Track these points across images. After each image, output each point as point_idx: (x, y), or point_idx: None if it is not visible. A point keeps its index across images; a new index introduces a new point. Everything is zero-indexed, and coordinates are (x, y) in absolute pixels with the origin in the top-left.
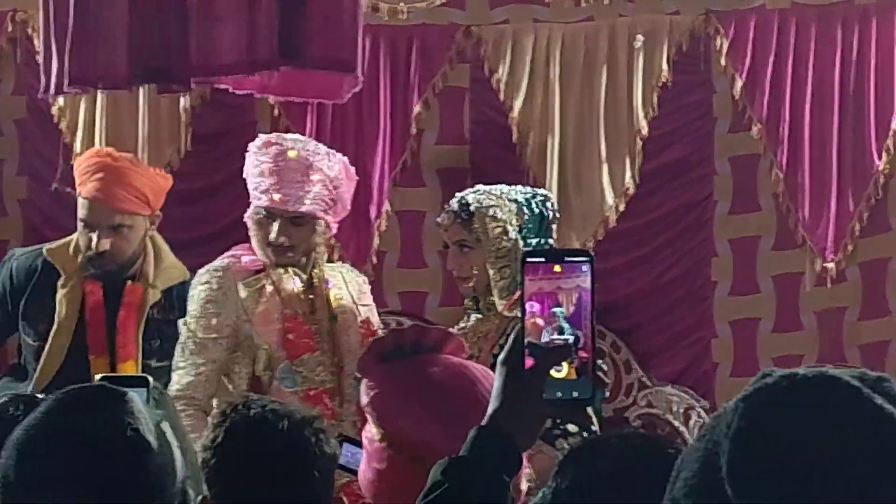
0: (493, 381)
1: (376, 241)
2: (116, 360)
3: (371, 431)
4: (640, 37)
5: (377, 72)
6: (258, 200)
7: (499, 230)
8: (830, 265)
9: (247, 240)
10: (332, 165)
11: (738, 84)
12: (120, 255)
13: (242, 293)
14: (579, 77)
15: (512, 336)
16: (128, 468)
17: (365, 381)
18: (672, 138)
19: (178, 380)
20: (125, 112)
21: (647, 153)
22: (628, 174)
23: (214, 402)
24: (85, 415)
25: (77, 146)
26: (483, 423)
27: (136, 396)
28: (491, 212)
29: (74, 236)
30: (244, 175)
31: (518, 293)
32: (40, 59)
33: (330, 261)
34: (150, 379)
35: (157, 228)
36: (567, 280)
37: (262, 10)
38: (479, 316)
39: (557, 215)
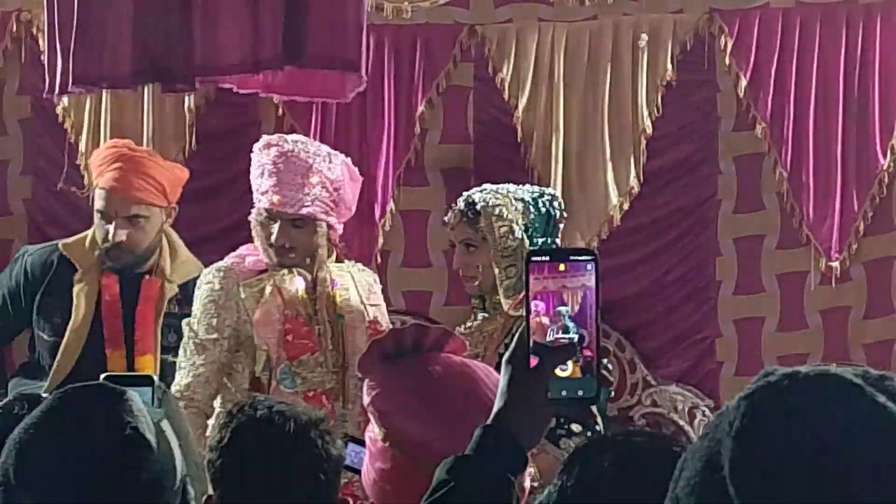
0: (496, 379)
1: (381, 240)
2: (134, 353)
3: (374, 431)
4: (644, 36)
5: (381, 71)
6: (259, 202)
7: (504, 229)
8: (835, 264)
9: (252, 239)
10: (332, 167)
11: (743, 83)
12: (136, 247)
13: (243, 294)
14: (583, 76)
15: (517, 335)
16: (126, 467)
17: (367, 381)
18: (676, 137)
19: (179, 380)
20: (130, 111)
21: (651, 152)
22: (632, 173)
23: (217, 402)
24: (83, 414)
25: (82, 146)
26: (488, 422)
27: (135, 395)
28: (497, 211)
29: (90, 231)
30: (250, 174)
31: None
32: (45, 58)
33: (339, 261)
34: (156, 378)
35: None
36: (572, 279)
37: (266, 10)
38: (486, 315)
39: (565, 215)
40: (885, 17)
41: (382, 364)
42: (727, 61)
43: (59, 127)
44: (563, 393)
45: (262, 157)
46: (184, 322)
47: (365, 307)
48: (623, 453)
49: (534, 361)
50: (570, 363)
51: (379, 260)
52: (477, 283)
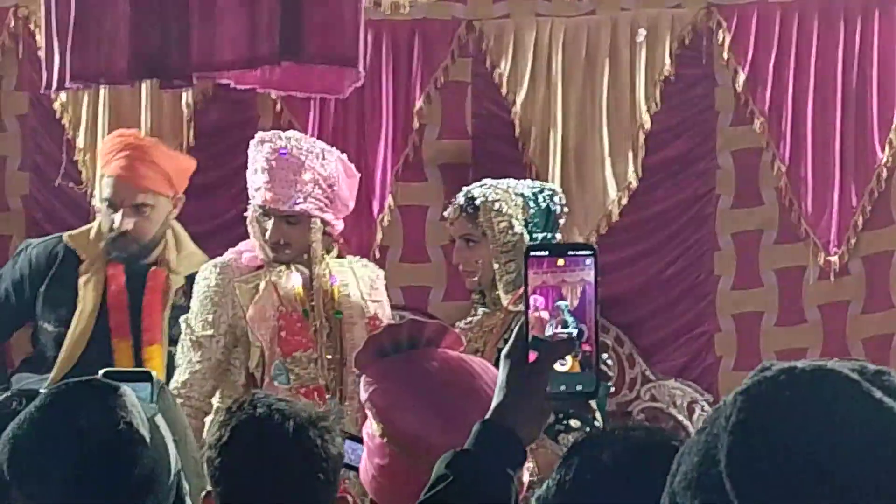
0: (493, 374)
1: (379, 235)
2: (141, 344)
3: (371, 427)
4: (642, 31)
5: (379, 66)
6: (254, 198)
7: (504, 224)
8: (833, 259)
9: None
10: (325, 164)
11: (741, 78)
12: (142, 236)
13: (238, 290)
14: (581, 71)
15: (516, 330)
16: (120, 462)
17: (363, 376)
18: (674, 132)
19: (176, 377)
20: (128, 108)
21: (649, 147)
22: (631, 168)
23: (215, 399)
24: (77, 409)
25: (79, 142)
26: (487, 416)
27: (129, 390)
28: (496, 206)
29: (95, 223)
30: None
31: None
32: (42, 54)
33: (341, 256)
34: (154, 374)
35: None
36: (571, 274)
37: (263, 5)
38: (486, 310)
39: (565, 210)
40: (883, 11)
41: (378, 360)
42: (725, 56)
43: (56, 123)
44: (562, 388)
45: (256, 154)
46: (181, 319)
47: (365, 303)
48: (622, 448)
49: (533, 356)
50: (569, 358)
51: (377, 255)
52: (476, 278)
